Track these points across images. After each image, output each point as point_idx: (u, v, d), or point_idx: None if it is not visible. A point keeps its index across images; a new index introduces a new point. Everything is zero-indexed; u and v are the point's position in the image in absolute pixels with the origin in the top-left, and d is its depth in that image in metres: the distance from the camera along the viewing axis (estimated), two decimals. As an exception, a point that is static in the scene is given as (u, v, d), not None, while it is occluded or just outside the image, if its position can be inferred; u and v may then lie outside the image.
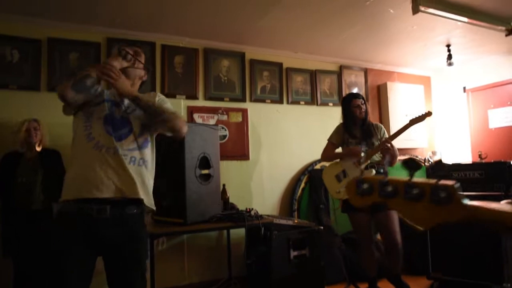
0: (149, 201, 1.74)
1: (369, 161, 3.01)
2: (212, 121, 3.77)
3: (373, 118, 4.48)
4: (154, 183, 2.95)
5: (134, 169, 1.67)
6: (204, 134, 2.88)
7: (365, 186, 0.71)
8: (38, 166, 2.81)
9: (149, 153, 1.78)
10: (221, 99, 3.90)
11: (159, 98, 1.89)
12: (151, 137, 1.83)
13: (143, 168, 1.72)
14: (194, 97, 3.77)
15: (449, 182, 0.59)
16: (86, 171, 1.62)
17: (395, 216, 2.93)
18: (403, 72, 5.14)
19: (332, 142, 3.22)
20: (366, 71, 4.82)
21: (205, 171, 2.85)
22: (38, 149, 2.87)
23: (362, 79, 4.79)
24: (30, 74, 3.19)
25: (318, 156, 4.29)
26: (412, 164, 0.65)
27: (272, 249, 3.05)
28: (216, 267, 3.74)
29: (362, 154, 2.98)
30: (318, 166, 4.29)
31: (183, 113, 3.70)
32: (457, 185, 0.58)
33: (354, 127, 3.13)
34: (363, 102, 3.13)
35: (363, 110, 3.10)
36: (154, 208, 1.80)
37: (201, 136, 2.83)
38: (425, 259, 3.39)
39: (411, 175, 0.64)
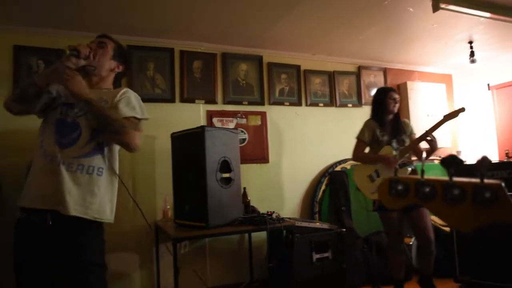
0: (94, 213, 1.60)
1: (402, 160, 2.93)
2: (231, 125, 3.78)
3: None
4: (176, 187, 2.97)
5: (79, 177, 1.58)
6: (224, 138, 2.88)
7: (400, 187, 0.68)
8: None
9: (102, 160, 1.67)
10: (240, 103, 3.91)
11: (122, 97, 1.71)
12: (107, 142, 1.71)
13: (93, 177, 1.62)
14: (213, 101, 3.79)
15: (495, 181, 0.56)
16: (33, 180, 1.62)
17: (427, 212, 2.86)
18: (424, 71, 5.04)
19: (362, 141, 3.10)
20: (385, 71, 4.75)
21: (226, 175, 2.84)
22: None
23: (381, 79, 4.73)
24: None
25: (338, 157, 4.29)
26: (452, 161, 0.61)
27: (294, 252, 3.02)
28: (237, 270, 3.74)
29: (394, 153, 2.90)
30: (338, 168, 4.25)
31: (202, 118, 3.73)
32: (503, 184, 0.55)
33: (386, 121, 3.07)
34: (398, 97, 3.09)
35: (397, 104, 3.06)
36: (107, 220, 1.69)
37: (221, 140, 2.84)
38: (452, 262, 3.30)
39: (451, 174, 0.61)
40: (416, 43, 4.07)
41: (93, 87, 1.76)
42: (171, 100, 3.61)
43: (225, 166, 2.85)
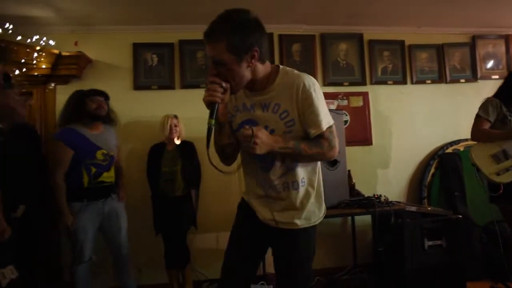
0: None
1: None
2: (332, 107, 3.71)
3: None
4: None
5: None
6: (329, 119, 2.84)
7: None
8: (177, 157, 3.13)
9: None
10: (341, 84, 3.81)
11: (305, 106, 1.45)
12: None
13: None
14: (314, 84, 3.75)
15: None
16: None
17: None
18: (557, 35, 4.31)
19: (485, 119, 2.77)
20: (507, 38, 4.17)
21: (332, 157, 2.82)
22: (177, 142, 3.20)
23: (501, 48, 4.17)
24: (167, 75, 3.57)
25: (449, 138, 3.94)
26: None
27: (405, 238, 2.88)
28: (340, 254, 3.71)
29: None
30: (450, 150, 3.90)
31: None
32: None
33: None
34: None
35: None
36: None
37: (326, 122, 2.80)
38: None
39: None
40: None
41: (257, 91, 1.49)
42: (272, 84, 3.67)
43: (331, 148, 2.81)
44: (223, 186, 3.48)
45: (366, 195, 3.15)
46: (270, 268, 3.55)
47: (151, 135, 3.28)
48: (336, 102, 3.76)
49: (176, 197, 3.06)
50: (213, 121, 1.37)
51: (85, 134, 2.69)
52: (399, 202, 3.15)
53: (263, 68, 1.43)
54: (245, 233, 1.65)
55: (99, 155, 2.71)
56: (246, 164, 1.64)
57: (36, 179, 2.80)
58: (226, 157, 1.59)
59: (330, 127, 1.46)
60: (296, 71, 1.48)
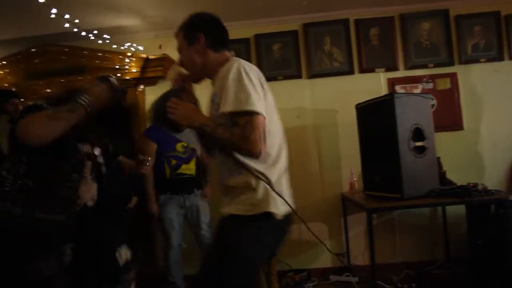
0: None
1: None
2: (416, 91, 3.49)
3: None
4: (364, 158, 2.96)
5: None
6: (415, 104, 2.69)
7: None
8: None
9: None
10: (425, 66, 3.56)
11: (221, 91, 1.45)
12: None
13: None
14: (394, 68, 3.57)
15: None
16: None
17: None
18: None
19: None
20: None
21: (419, 143, 2.66)
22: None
23: None
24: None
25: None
26: None
27: (509, 229, 2.61)
28: (430, 246, 3.50)
29: None
30: (560, 132, 3.44)
31: (383, 87, 3.57)
32: None
33: None
34: None
35: None
36: None
37: (412, 107, 2.66)
38: None
39: None
40: None
41: (212, 79, 1.57)
42: (350, 72, 3.58)
43: (418, 134, 2.66)
44: (303, 178, 3.49)
45: (458, 184, 2.92)
46: (355, 260, 3.49)
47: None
48: (420, 86, 3.53)
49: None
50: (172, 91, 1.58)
51: (166, 129, 2.89)
52: (499, 191, 2.87)
53: (216, 57, 1.54)
54: None
55: (179, 147, 2.92)
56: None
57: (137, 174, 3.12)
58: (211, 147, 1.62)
59: (245, 114, 1.33)
60: (236, 58, 1.50)
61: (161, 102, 2.92)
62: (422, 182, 2.65)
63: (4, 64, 3.75)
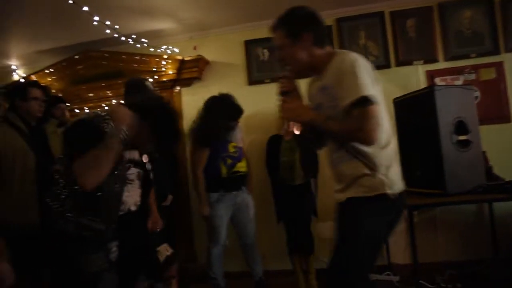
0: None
1: None
2: (457, 83, 3.34)
3: None
4: (403, 153, 2.88)
5: None
6: (457, 96, 2.57)
7: None
8: (295, 147, 3.19)
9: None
10: (467, 56, 3.40)
11: (339, 79, 1.53)
12: None
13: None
14: (433, 60, 3.44)
15: None
16: None
17: None
18: None
19: None
20: None
21: (463, 137, 2.55)
22: (297, 132, 3.26)
23: None
24: (279, 67, 3.64)
25: None
26: None
27: None
28: (475, 245, 3.34)
29: None
30: None
31: (421, 79, 3.45)
32: None
33: None
34: None
35: None
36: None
37: (454, 99, 2.55)
38: None
39: None
40: None
41: (319, 71, 1.60)
42: (386, 65, 3.49)
43: (461, 127, 2.55)
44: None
45: (506, 180, 2.77)
46: (396, 258, 3.40)
47: (268, 126, 3.43)
48: (461, 77, 3.37)
49: (297, 185, 3.14)
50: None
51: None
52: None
53: (321, 53, 1.57)
54: None
55: (230, 148, 2.97)
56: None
57: (172, 173, 3.21)
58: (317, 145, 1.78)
59: (363, 103, 1.40)
60: (345, 51, 1.57)
61: (200, 125, 2.98)
62: (467, 177, 2.54)
63: (52, 71, 3.99)
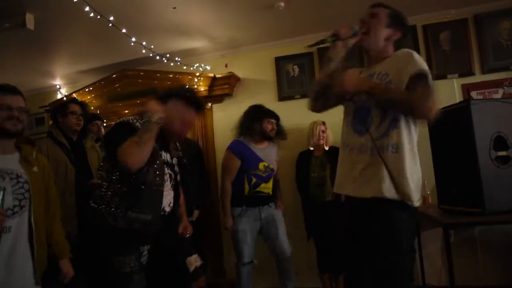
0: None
1: None
2: (496, 97, 3.21)
3: None
4: (438, 170, 2.78)
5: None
6: (495, 110, 2.46)
7: None
8: (326, 163, 3.17)
9: (398, 135, 1.58)
10: (506, 69, 3.26)
11: (405, 62, 1.65)
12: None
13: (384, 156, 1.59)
14: (469, 73, 3.32)
15: None
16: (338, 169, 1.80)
17: None
18: None
19: None
20: None
21: (503, 153, 2.43)
22: (326, 148, 3.25)
23: None
24: (308, 83, 3.67)
25: None
26: None
27: None
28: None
29: None
30: None
31: (457, 93, 3.34)
32: None
33: None
34: None
35: None
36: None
37: (492, 114, 2.44)
38: None
39: None
40: None
41: (373, 61, 1.71)
42: (419, 80, 3.41)
43: (501, 143, 2.44)
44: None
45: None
46: (430, 279, 3.25)
47: (298, 142, 3.42)
48: (501, 91, 3.24)
49: (327, 202, 3.09)
50: (329, 38, 1.64)
51: (251, 147, 2.99)
52: None
53: (390, 50, 1.69)
54: None
55: (261, 166, 2.97)
56: None
57: (201, 187, 3.25)
58: (315, 96, 1.82)
59: (426, 78, 1.49)
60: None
61: (247, 116, 3.08)
62: (508, 195, 2.41)
63: (91, 89, 4.22)
